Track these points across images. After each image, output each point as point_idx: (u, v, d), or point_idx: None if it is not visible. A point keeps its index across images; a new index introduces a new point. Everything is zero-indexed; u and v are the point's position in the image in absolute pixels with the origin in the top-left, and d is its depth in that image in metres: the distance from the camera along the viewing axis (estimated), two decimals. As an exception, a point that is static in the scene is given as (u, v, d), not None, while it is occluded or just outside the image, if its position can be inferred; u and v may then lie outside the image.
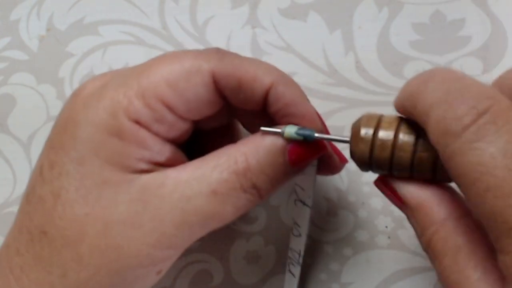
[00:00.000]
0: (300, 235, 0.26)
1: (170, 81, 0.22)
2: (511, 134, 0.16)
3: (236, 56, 0.23)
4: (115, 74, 0.24)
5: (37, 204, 0.22)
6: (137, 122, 0.22)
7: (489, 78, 0.30)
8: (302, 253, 0.27)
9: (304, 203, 0.26)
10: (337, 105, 0.31)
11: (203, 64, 0.22)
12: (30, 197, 0.23)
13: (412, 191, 0.21)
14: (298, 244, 0.27)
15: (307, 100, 0.24)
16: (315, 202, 0.31)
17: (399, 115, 0.21)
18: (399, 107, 0.21)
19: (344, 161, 0.27)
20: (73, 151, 0.22)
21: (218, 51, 0.23)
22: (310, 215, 0.26)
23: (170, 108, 0.22)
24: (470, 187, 0.16)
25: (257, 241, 0.31)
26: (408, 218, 0.21)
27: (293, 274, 0.27)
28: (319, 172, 0.26)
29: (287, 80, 0.23)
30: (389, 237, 0.30)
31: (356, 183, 0.30)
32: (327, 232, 0.30)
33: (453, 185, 0.20)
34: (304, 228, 0.26)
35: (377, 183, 0.22)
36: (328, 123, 0.31)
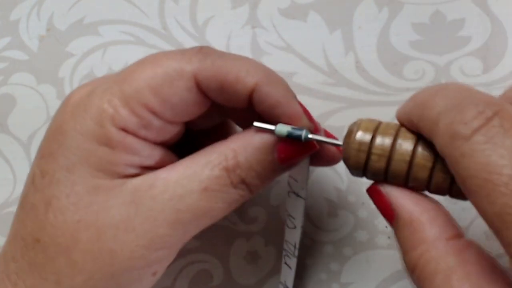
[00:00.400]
0: (294, 227, 0.26)
1: (153, 88, 0.22)
2: None
3: (219, 55, 0.23)
4: (100, 81, 0.24)
5: (30, 211, 0.22)
6: (124, 129, 0.22)
7: (489, 78, 0.30)
8: (297, 245, 0.27)
9: (297, 195, 0.26)
10: (337, 105, 0.31)
11: (185, 67, 0.22)
12: (24, 205, 0.23)
13: (406, 205, 0.20)
14: (293, 236, 0.27)
15: (295, 98, 0.23)
16: (315, 203, 0.31)
17: (397, 123, 0.21)
18: (403, 118, 0.21)
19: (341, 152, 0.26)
20: (62, 159, 0.22)
21: (199, 51, 0.23)
22: (305, 207, 0.26)
23: (155, 113, 0.22)
24: (480, 187, 0.17)
25: (257, 241, 0.31)
26: (395, 232, 0.20)
27: (289, 266, 0.27)
28: (318, 163, 0.26)
29: (272, 79, 0.22)
30: (389, 237, 0.30)
31: (356, 183, 0.30)
32: (327, 232, 0.30)
33: (448, 201, 0.20)
34: (298, 220, 0.26)
35: (370, 191, 0.21)
36: (328, 123, 0.31)
